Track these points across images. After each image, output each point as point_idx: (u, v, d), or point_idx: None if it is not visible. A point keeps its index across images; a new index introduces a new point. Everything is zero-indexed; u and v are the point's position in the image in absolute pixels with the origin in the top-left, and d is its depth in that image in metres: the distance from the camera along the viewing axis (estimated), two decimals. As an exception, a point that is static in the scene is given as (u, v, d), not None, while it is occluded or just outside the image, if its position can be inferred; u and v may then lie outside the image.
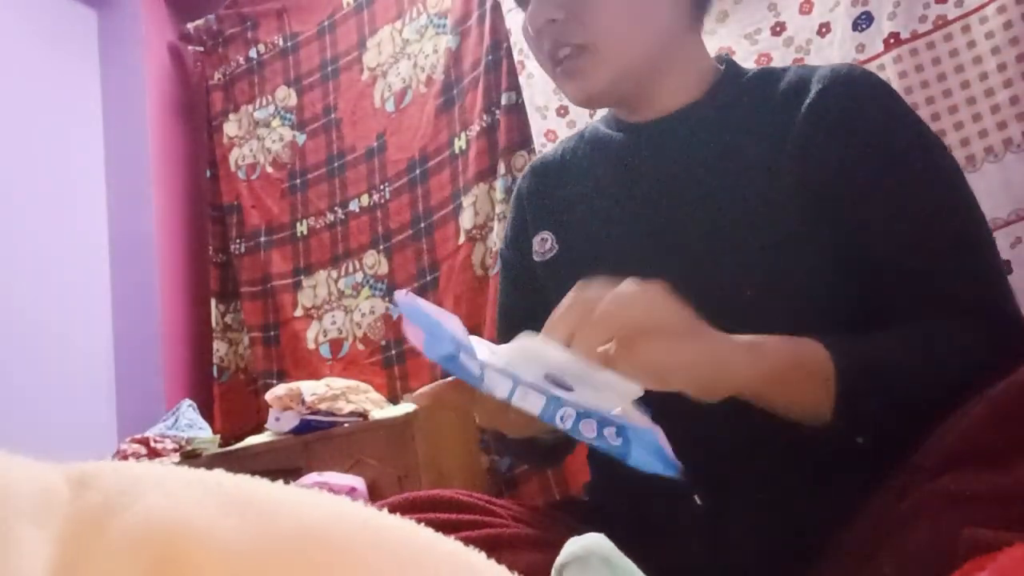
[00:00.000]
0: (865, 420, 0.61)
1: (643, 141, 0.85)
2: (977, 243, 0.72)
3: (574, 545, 0.39)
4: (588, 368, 0.50)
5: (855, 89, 0.76)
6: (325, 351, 2.63)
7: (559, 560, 0.39)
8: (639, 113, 0.86)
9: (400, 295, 0.53)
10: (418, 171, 2.53)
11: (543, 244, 0.89)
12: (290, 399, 2.12)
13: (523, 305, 0.93)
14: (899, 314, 0.70)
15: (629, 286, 0.53)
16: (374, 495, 1.92)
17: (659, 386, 0.52)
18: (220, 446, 2.38)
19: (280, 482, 0.28)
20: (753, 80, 0.84)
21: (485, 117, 2.35)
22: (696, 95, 0.84)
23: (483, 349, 0.53)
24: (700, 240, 0.77)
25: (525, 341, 0.51)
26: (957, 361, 0.64)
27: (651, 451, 0.49)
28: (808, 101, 0.76)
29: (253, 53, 2.95)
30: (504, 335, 0.96)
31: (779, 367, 0.60)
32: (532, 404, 0.50)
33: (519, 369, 0.50)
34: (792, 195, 0.74)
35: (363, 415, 2.15)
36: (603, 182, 0.87)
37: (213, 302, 2.83)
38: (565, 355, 0.50)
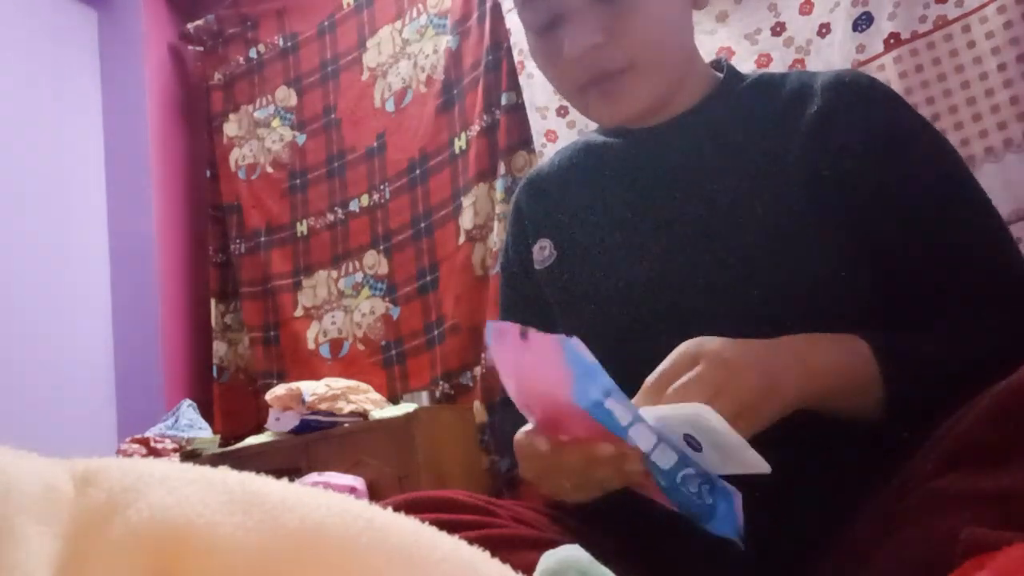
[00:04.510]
0: (912, 416, 0.63)
1: (644, 146, 0.85)
2: (993, 230, 0.73)
3: (550, 559, 0.38)
4: (728, 436, 0.53)
5: (863, 93, 0.77)
6: (325, 351, 2.63)
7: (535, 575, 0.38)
8: (641, 121, 0.86)
9: (566, 340, 0.52)
10: (418, 171, 2.53)
11: (542, 252, 0.89)
12: (290, 399, 2.12)
13: (527, 317, 0.92)
14: (921, 305, 0.71)
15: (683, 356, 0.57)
16: (374, 495, 1.92)
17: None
18: (220, 446, 2.39)
19: (284, 480, 0.28)
20: (753, 85, 0.84)
21: (485, 117, 2.35)
22: (696, 100, 0.85)
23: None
24: (701, 242, 0.77)
25: (696, 408, 0.54)
26: (991, 347, 0.65)
27: (730, 514, 0.55)
28: (816, 107, 0.77)
29: (253, 53, 2.95)
30: None
31: (828, 383, 0.62)
32: (665, 460, 0.54)
33: (666, 425, 0.54)
34: (798, 198, 0.74)
35: (363, 415, 2.15)
36: (603, 187, 0.87)
37: (213, 302, 2.83)
38: (718, 423, 0.53)
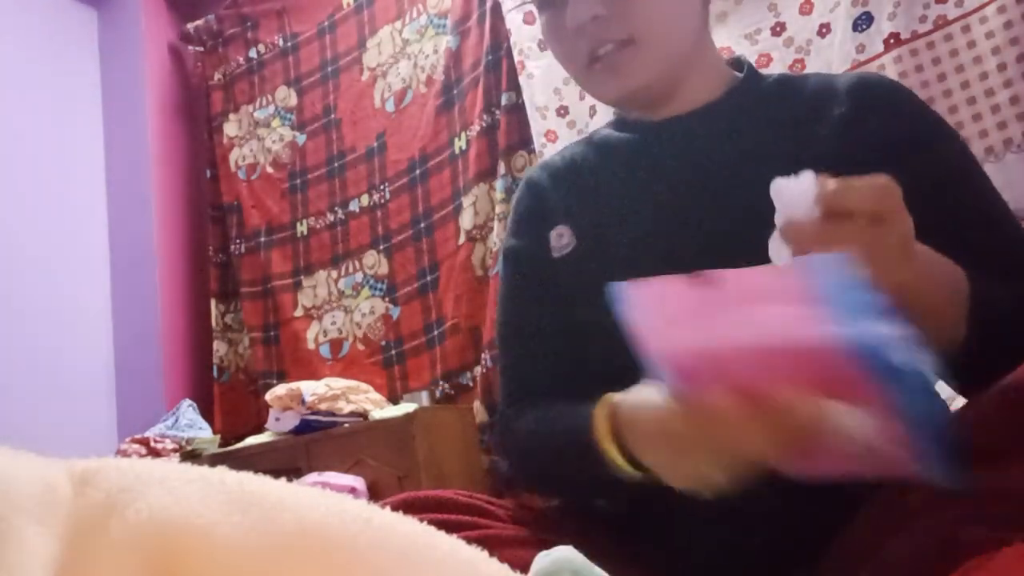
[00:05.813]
0: (987, 353, 0.61)
1: (661, 139, 0.85)
2: (1013, 222, 0.75)
3: (543, 560, 0.39)
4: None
5: (890, 96, 0.79)
6: (325, 351, 2.63)
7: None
8: (655, 112, 0.86)
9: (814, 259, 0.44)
10: (418, 171, 2.53)
11: (560, 239, 0.88)
12: (290, 399, 2.12)
13: (535, 302, 0.89)
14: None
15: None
16: (374, 495, 1.92)
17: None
18: (220, 446, 2.39)
19: (282, 480, 0.28)
20: (774, 85, 0.85)
21: (485, 117, 2.35)
22: (714, 95, 0.85)
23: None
24: (719, 238, 0.77)
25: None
26: None
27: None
28: (843, 109, 0.78)
29: (253, 53, 2.95)
30: (506, 339, 0.93)
31: (931, 288, 0.59)
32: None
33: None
34: None
35: (363, 415, 2.15)
36: (619, 180, 0.87)
37: (213, 302, 2.83)
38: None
